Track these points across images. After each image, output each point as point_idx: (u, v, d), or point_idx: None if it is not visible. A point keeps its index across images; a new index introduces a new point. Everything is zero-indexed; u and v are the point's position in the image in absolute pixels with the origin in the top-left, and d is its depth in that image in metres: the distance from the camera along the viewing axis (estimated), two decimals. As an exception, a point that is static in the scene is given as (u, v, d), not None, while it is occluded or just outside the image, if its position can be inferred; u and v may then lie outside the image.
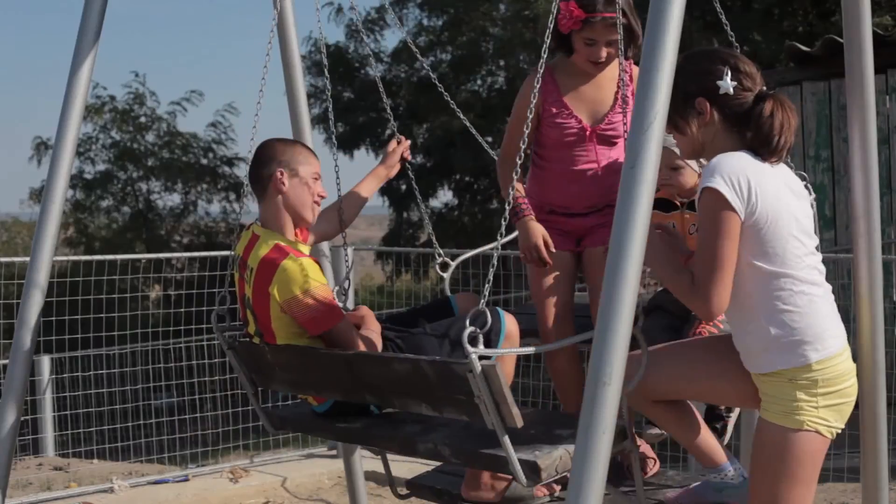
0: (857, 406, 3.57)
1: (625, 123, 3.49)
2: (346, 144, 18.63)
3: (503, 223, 2.76)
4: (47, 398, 7.24)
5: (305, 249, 3.32)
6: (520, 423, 2.68)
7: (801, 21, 12.75)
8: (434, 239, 4.05)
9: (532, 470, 2.71)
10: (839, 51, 3.55)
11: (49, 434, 7.17)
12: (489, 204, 18.92)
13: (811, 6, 12.63)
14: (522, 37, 16.58)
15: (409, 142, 3.85)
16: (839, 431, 2.83)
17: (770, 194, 2.68)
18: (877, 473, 3.54)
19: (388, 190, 19.00)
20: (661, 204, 3.54)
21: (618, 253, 2.41)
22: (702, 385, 2.95)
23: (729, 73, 2.75)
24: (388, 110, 4.15)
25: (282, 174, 3.30)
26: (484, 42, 18.31)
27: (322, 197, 3.39)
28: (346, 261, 4.34)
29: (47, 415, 7.16)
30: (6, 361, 3.70)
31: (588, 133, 3.60)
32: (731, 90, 2.75)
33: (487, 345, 3.00)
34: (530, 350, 2.85)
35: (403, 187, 18.98)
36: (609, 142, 3.65)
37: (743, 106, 2.76)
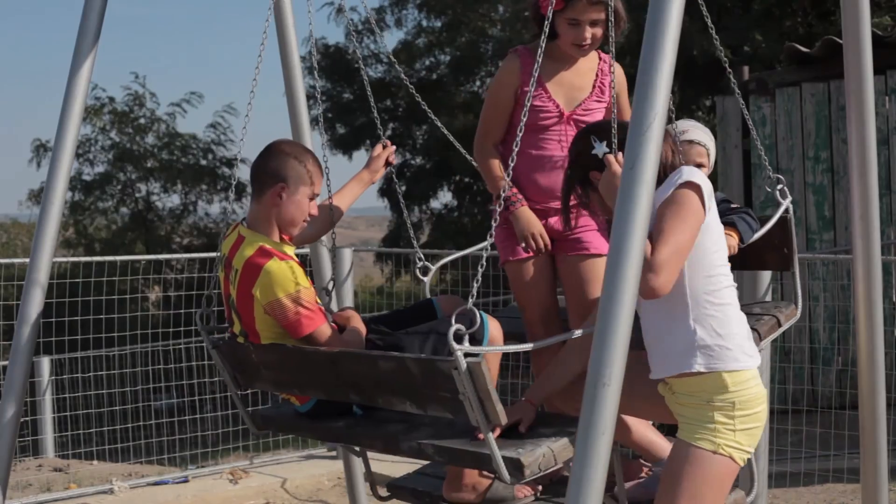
0: (856, 406, 3.59)
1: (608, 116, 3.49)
2: (346, 146, 18.64)
3: (493, 223, 2.75)
4: (47, 399, 7.24)
5: (290, 251, 3.31)
6: (504, 420, 2.69)
7: (801, 21, 12.75)
8: (416, 243, 4.07)
9: (515, 467, 2.70)
10: (838, 51, 3.56)
11: (49, 435, 7.17)
12: (489, 205, 18.92)
13: (811, 7, 12.63)
14: (521, 37, 16.58)
15: (393, 147, 3.81)
16: (750, 457, 2.86)
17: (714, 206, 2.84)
18: (876, 474, 3.55)
19: (388, 191, 19.01)
20: None
21: (618, 253, 2.41)
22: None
23: (596, 140, 2.89)
24: (377, 114, 4.11)
25: (283, 189, 3.29)
26: (483, 43, 18.32)
27: (312, 216, 3.39)
28: (333, 259, 4.36)
29: (47, 416, 7.16)
30: (6, 362, 3.70)
31: (564, 117, 3.55)
32: (606, 148, 2.87)
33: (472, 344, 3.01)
34: (515, 348, 2.86)
35: (404, 188, 18.98)
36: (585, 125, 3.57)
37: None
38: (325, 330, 3.17)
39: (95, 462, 6.61)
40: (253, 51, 4.60)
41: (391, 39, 21.33)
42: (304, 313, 3.13)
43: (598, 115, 3.59)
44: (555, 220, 3.59)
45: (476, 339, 3.03)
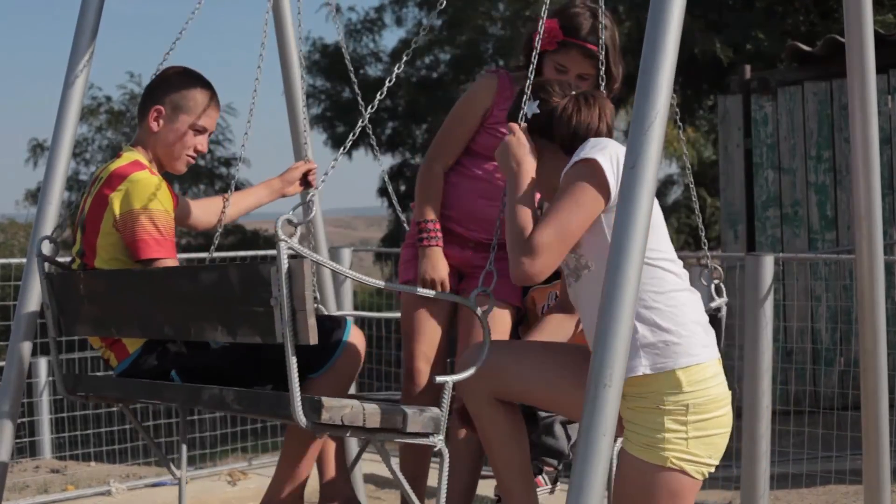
0: (859, 407, 3.57)
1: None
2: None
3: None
4: (44, 400, 7.22)
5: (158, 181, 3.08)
6: (314, 339, 2.44)
7: (803, 20, 12.74)
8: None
9: (313, 408, 2.48)
10: (840, 50, 3.55)
11: (46, 436, 7.16)
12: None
13: (813, 5, 12.62)
14: (521, 37, 16.57)
15: (316, 166, 3.65)
16: (711, 470, 2.54)
17: None
18: (879, 475, 3.55)
19: (387, 191, 19.00)
20: None
21: (618, 254, 2.39)
22: (556, 393, 2.67)
23: (529, 99, 2.72)
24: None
25: (159, 114, 3.14)
26: (483, 42, 18.31)
27: (199, 152, 3.21)
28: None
29: (44, 417, 7.14)
30: (2, 363, 3.69)
31: None
32: (537, 108, 2.72)
33: (325, 351, 2.84)
34: (370, 281, 2.65)
35: (403, 188, 18.97)
36: None
37: (550, 119, 2.70)
38: (168, 264, 2.96)
39: (93, 463, 6.59)
40: (251, 50, 4.59)
41: (391, 38, 21.36)
42: (155, 235, 2.95)
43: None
44: (472, 254, 3.37)
45: (330, 347, 2.91)
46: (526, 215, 2.57)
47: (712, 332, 2.64)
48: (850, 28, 3.34)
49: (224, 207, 3.55)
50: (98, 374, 3.34)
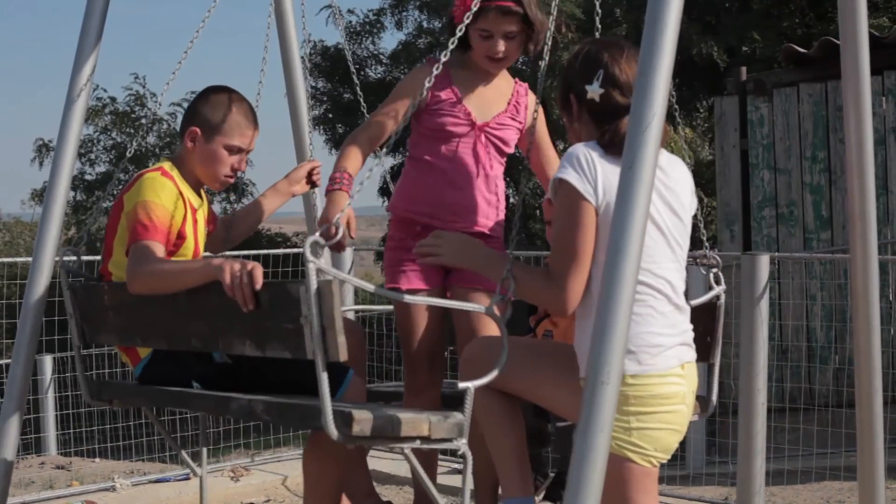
0: (853, 405, 3.60)
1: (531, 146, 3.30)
2: (346, 145, 18.66)
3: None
4: (49, 397, 7.25)
5: (182, 184, 3.15)
6: (344, 355, 2.48)
7: (799, 22, 12.77)
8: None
9: (345, 421, 2.50)
10: (836, 52, 3.56)
11: (51, 433, 7.19)
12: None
13: (809, 8, 12.65)
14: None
15: (320, 164, 3.68)
16: (662, 461, 2.62)
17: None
18: (873, 472, 3.54)
19: (387, 191, 19.01)
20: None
21: (617, 253, 2.42)
22: (544, 388, 2.75)
23: (600, 79, 2.71)
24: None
25: (195, 133, 3.18)
26: (483, 43, 18.32)
27: (237, 170, 3.24)
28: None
29: (49, 414, 7.17)
30: (9, 361, 3.71)
31: (476, 127, 3.37)
32: (598, 98, 2.72)
33: (334, 384, 2.73)
34: (385, 292, 2.65)
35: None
36: (497, 147, 3.41)
37: (607, 112, 2.70)
38: (153, 246, 2.96)
39: (98, 460, 6.62)
40: (254, 51, 4.63)
41: (391, 41, 21.35)
42: (145, 222, 2.97)
43: (512, 133, 3.44)
44: None
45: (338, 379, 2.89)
46: (525, 273, 2.66)
47: (686, 347, 2.68)
48: (845, 30, 3.34)
49: (237, 223, 3.61)
50: (122, 381, 3.37)
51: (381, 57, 18.78)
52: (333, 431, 2.50)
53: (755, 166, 8.28)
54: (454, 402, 2.99)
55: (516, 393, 2.84)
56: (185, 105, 16.25)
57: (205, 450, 3.54)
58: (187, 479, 5.50)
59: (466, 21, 2.91)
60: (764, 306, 4.52)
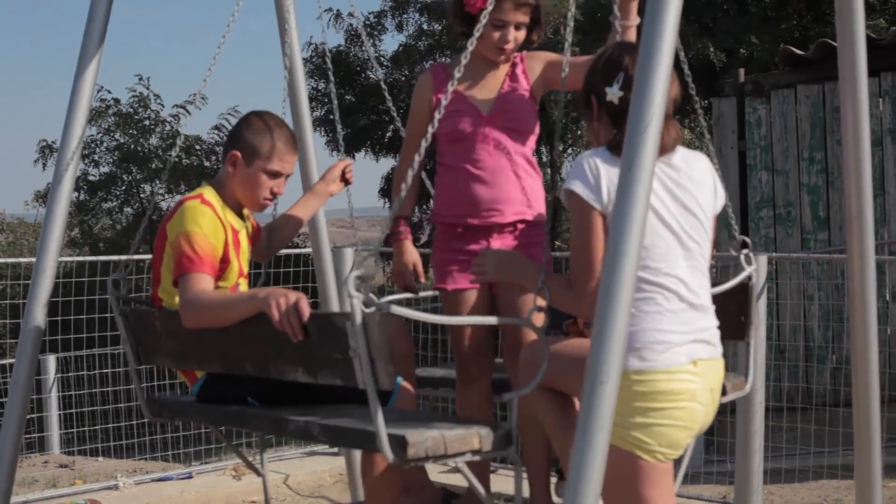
0: (850, 404, 3.62)
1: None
2: (347, 147, 18.65)
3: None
4: (53, 396, 7.28)
5: (222, 210, 3.21)
6: (393, 384, 2.56)
7: (797, 24, 12.79)
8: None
9: (399, 445, 2.57)
10: (833, 54, 3.58)
11: (55, 432, 7.22)
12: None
13: (806, 10, 12.67)
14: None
15: (351, 162, 3.76)
16: (670, 457, 2.64)
17: None
18: (870, 471, 3.54)
19: (388, 191, 19.03)
20: None
21: (615, 252, 2.44)
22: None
23: (620, 81, 2.76)
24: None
25: (235, 158, 3.23)
26: (483, 45, 18.34)
27: (276, 194, 3.30)
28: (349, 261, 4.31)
29: (53, 413, 7.20)
30: (13, 360, 3.73)
31: (484, 120, 3.45)
32: (617, 100, 2.77)
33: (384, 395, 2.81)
34: (425, 317, 2.67)
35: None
36: (513, 130, 3.47)
37: (624, 114, 2.67)
38: (200, 279, 3.03)
39: (101, 458, 6.65)
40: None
41: (392, 43, 21.34)
42: (189, 254, 3.03)
43: (523, 107, 3.49)
44: (499, 245, 3.46)
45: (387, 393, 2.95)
46: (554, 281, 2.75)
47: (699, 344, 2.71)
48: (842, 32, 3.35)
49: (278, 231, 3.65)
50: (180, 398, 3.42)
51: (382, 59, 18.81)
52: (390, 455, 2.58)
53: (753, 167, 8.31)
54: (504, 387, 3.38)
55: (566, 390, 2.95)
56: (189, 108, 16.12)
57: (265, 458, 3.75)
58: (189, 477, 5.53)
59: (490, 7, 2.96)
60: (761, 306, 4.52)
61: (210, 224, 3.11)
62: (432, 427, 2.66)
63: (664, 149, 2.72)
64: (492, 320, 3.10)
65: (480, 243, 3.47)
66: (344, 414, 2.91)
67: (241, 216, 3.34)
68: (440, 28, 18.64)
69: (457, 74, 2.80)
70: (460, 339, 3.50)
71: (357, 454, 4.59)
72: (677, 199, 2.75)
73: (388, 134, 18.66)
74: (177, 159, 19.27)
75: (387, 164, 19.53)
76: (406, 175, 2.91)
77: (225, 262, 3.18)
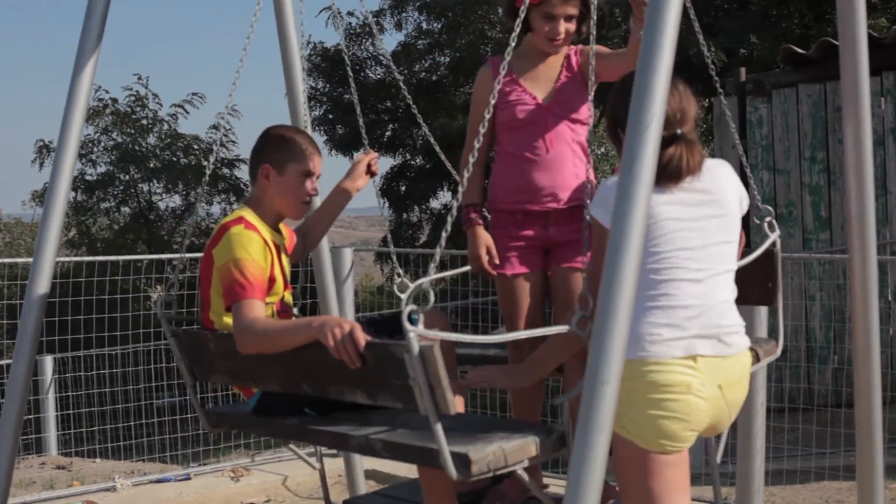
0: (852, 405, 3.61)
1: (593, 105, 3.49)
2: (347, 146, 18.68)
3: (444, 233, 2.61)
4: (50, 398, 7.28)
5: (264, 229, 3.27)
6: (453, 410, 2.60)
7: (798, 24, 12.78)
8: (395, 260, 4.10)
9: (463, 463, 2.63)
10: (835, 53, 3.57)
11: (52, 433, 7.22)
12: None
13: (808, 9, 12.66)
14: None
15: (376, 155, 3.80)
16: (669, 449, 2.68)
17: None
18: (872, 472, 3.54)
19: (387, 191, 19.03)
20: None
21: (615, 253, 2.43)
22: None
23: None
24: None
25: (269, 170, 3.30)
26: (483, 45, 18.35)
27: (312, 194, 3.37)
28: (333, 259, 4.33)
29: (50, 414, 7.20)
30: (9, 361, 3.72)
31: (543, 109, 3.54)
32: None
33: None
34: (474, 338, 2.68)
35: (403, 188, 19.01)
36: (569, 118, 3.56)
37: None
38: (254, 305, 3.07)
39: (98, 460, 6.64)
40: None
41: (391, 42, 21.38)
42: (241, 281, 3.07)
43: (577, 96, 3.56)
44: (554, 230, 3.55)
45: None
46: (556, 339, 2.90)
47: (700, 340, 2.73)
48: (843, 31, 3.36)
49: (311, 232, 3.72)
50: (239, 410, 3.43)
51: (381, 58, 18.81)
52: (454, 473, 2.65)
53: (754, 167, 8.29)
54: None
55: None
56: (187, 106, 16.11)
57: (322, 467, 3.97)
58: (187, 479, 5.53)
59: (527, 2, 3.08)
60: (762, 306, 4.52)
61: (257, 248, 3.16)
62: (491, 441, 2.73)
63: (691, 171, 2.79)
64: (539, 332, 2.98)
65: (538, 229, 3.56)
66: (402, 424, 2.98)
67: (278, 231, 3.41)
68: (439, 27, 18.66)
69: (504, 63, 2.92)
70: (515, 322, 3.59)
71: (356, 457, 4.58)
72: (700, 208, 2.80)
73: (387, 133, 18.67)
74: (175, 159, 19.27)
75: (386, 163, 19.56)
76: (468, 163, 2.94)
77: (272, 280, 3.24)
